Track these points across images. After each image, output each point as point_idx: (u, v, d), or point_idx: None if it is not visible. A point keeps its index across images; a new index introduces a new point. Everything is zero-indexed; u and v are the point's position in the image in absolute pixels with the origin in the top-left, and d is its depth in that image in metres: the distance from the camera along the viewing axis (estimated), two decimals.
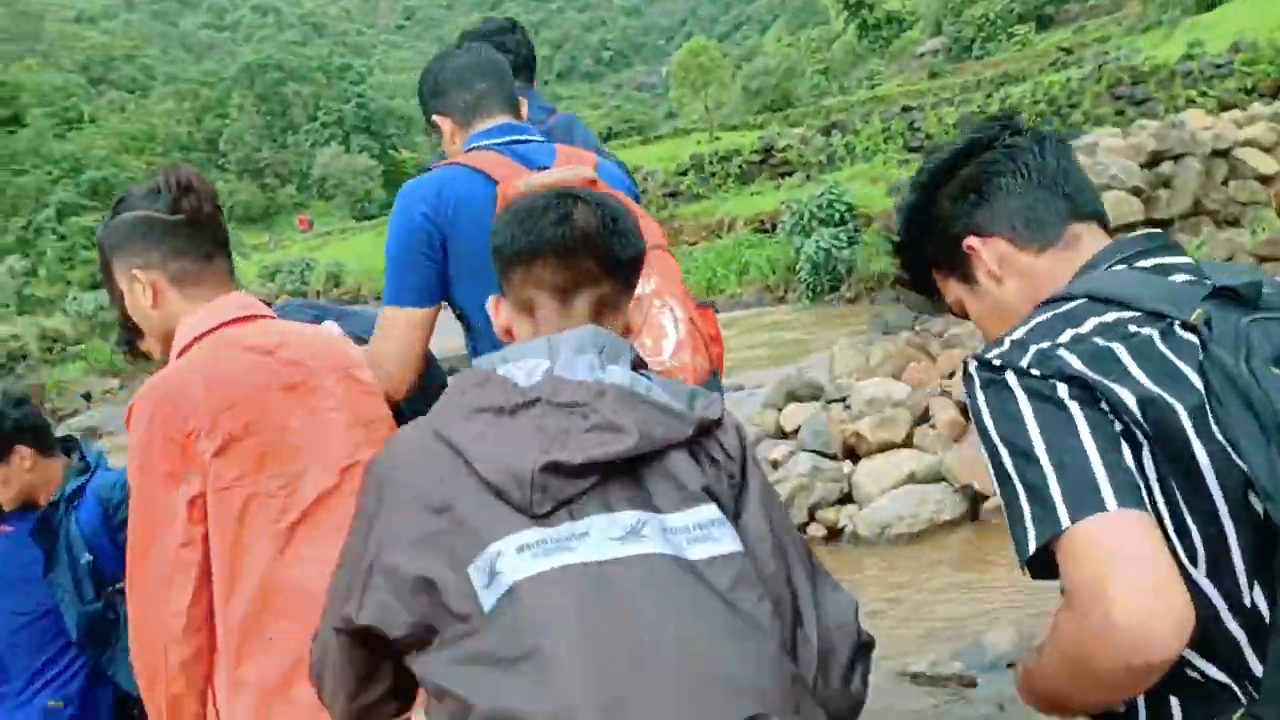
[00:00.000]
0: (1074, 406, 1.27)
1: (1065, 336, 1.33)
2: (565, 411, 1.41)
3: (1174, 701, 1.31)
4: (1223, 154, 12.16)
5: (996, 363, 1.34)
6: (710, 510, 1.42)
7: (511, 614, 1.31)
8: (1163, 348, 1.29)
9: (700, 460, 1.45)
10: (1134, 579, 1.18)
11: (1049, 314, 1.38)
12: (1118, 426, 1.26)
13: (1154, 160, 11.76)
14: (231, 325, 2.06)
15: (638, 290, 1.64)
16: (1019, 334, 1.37)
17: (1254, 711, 1.25)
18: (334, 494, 2.01)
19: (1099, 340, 1.31)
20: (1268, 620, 1.23)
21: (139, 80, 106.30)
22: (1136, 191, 11.23)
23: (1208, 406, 1.24)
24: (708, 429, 1.47)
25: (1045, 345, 1.33)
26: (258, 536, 1.96)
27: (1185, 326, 1.30)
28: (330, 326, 2.35)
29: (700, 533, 1.39)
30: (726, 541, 1.40)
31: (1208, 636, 1.24)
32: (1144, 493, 1.24)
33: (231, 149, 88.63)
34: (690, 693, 1.27)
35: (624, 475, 1.40)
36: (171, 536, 1.92)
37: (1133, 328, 1.31)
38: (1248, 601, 1.24)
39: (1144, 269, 1.42)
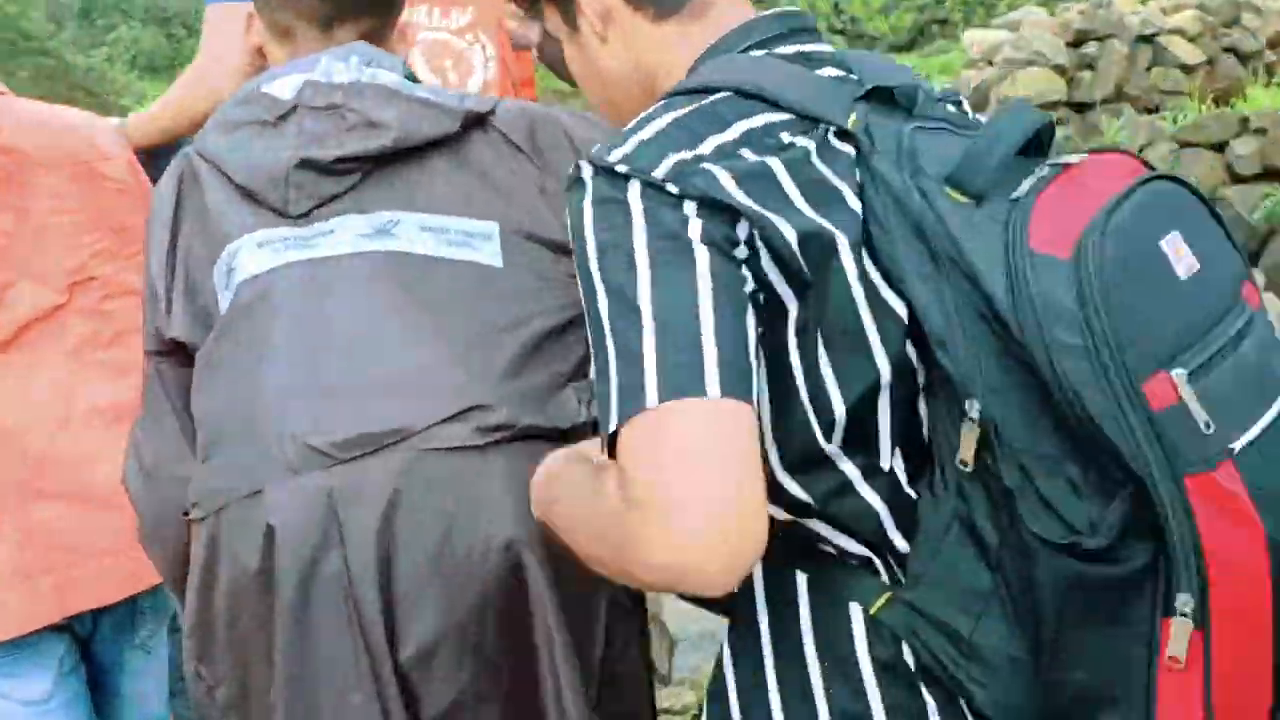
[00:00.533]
0: (701, 251, 0.95)
1: (709, 145, 1.01)
2: (325, 114, 1.39)
3: (800, 577, 1.10)
4: (1148, 40, 12.08)
5: (621, 169, 0.99)
6: (486, 226, 1.39)
7: (236, 310, 1.35)
8: (819, 163, 1.02)
9: (482, 162, 1.42)
10: (701, 497, 0.90)
11: (686, 109, 1.04)
12: (751, 285, 0.98)
13: (1079, 40, 11.67)
14: None
15: (454, 22, 1.72)
16: (648, 132, 1.02)
17: (903, 596, 1.05)
18: (57, 314, 1.68)
19: (749, 153, 1.00)
20: (907, 489, 1.05)
21: None
22: (1060, 70, 11.16)
23: (869, 235, 1.00)
24: (479, 121, 1.42)
25: (685, 155, 0.99)
26: None
27: (841, 135, 1.04)
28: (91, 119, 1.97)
29: (461, 238, 1.37)
30: (486, 254, 1.38)
31: (839, 510, 1.05)
32: (757, 374, 0.96)
33: None
34: (370, 390, 1.31)
35: (388, 176, 1.38)
36: None
37: (786, 136, 1.03)
38: (885, 466, 1.05)
39: (786, 57, 1.11)
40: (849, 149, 1.03)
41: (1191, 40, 12.38)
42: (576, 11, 1.16)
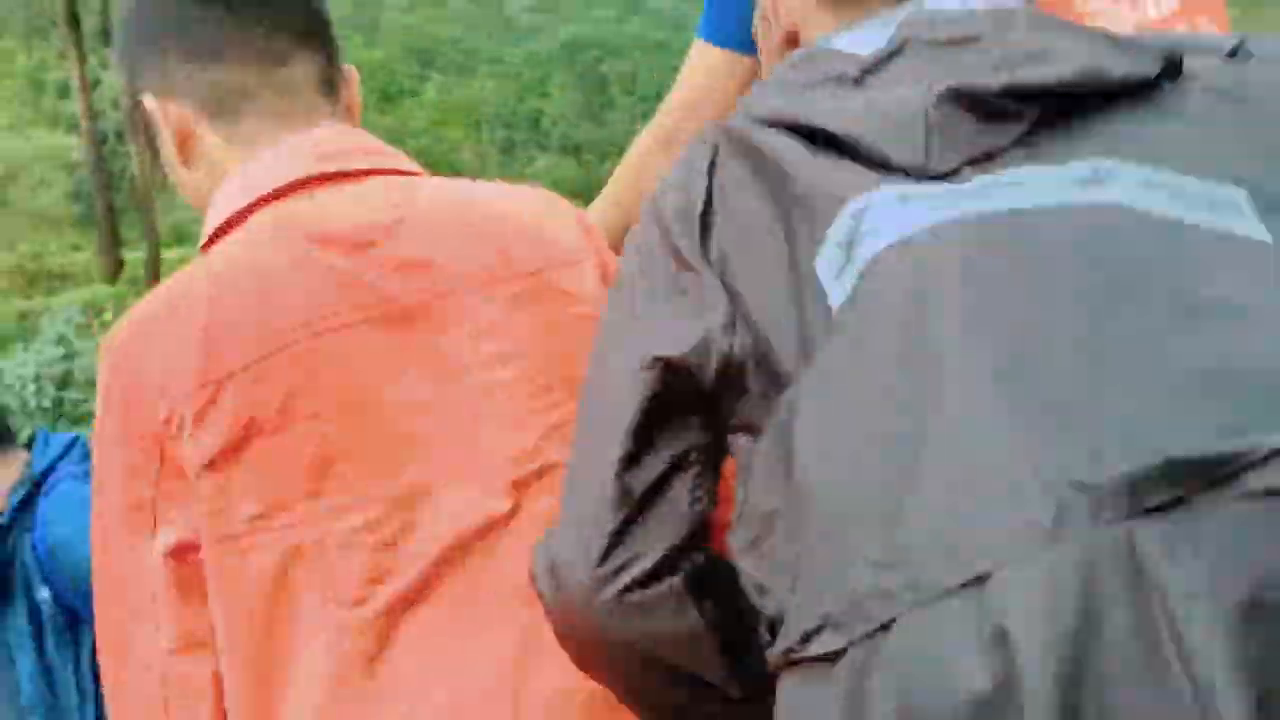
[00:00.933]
0: None
1: None
2: (954, 49, 0.91)
3: None
4: None
5: None
6: (1228, 192, 0.82)
7: (871, 298, 0.81)
8: None
9: (1194, 113, 0.88)
10: None
11: None
12: None
13: None
14: (296, 191, 1.08)
15: None
16: None
17: None
18: (492, 534, 1.00)
19: None
20: None
21: (462, 63, 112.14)
22: None
23: None
24: (1177, 67, 0.89)
25: None
26: (312, 635, 0.96)
27: None
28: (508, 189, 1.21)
29: (1204, 203, 0.82)
30: (1246, 227, 0.80)
31: None
32: None
33: (553, 126, 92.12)
34: (1157, 393, 0.71)
35: (1067, 128, 0.87)
36: (148, 632, 0.97)
37: None
38: None
39: None
40: None
41: None
42: None
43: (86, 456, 2.48)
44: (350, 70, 1.21)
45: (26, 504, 2.42)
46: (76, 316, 12.74)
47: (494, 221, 1.10)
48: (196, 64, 1.10)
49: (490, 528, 1.00)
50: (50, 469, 2.46)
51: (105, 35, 27.44)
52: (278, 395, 0.97)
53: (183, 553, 0.96)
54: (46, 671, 2.30)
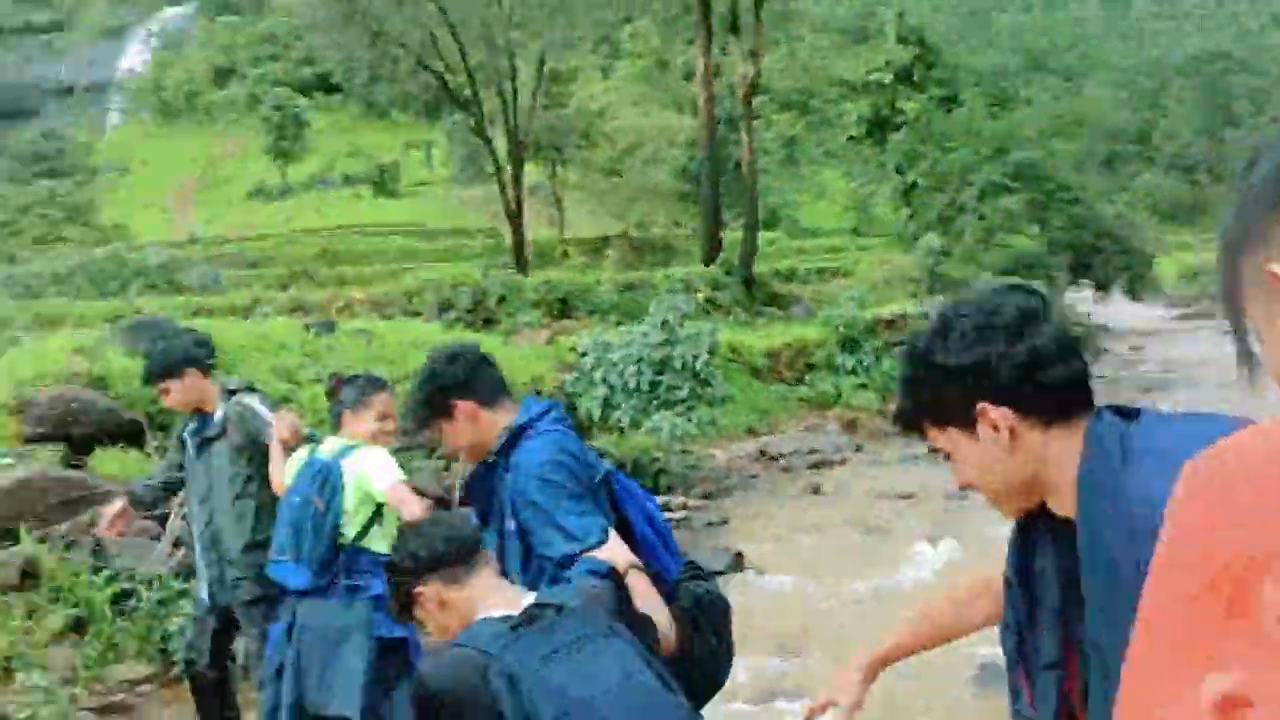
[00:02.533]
0: None
1: None
2: None
3: None
4: None
5: None
6: None
7: None
8: None
9: None
10: None
11: None
12: None
13: None
14: None
15: None
16: None
17: None
18: None
19: None
20: None
21: (1076, 68, 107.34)
22: None
23: None
24: None
25: None
26: None
27: None
28: None
29: None
30: None
31: None
32: None
33: (1165, 142, 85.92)
34: None
35: None
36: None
37: None
38: None
39: None
40: None
41: None
42: None
43: (559, 419, 3.11)
44: None
45: (507, 450, 3.01)
46: (681, 305, 12.95)
47: None
48: None
49: None
50: (528, 424, 3.04)
51: (734, 26, 28.65)
52: None
53: (1231, 707, 0.83)
54: None
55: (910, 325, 20.69)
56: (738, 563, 9.07)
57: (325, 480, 4.28)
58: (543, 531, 2.92)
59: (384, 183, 65.11)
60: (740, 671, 6.67)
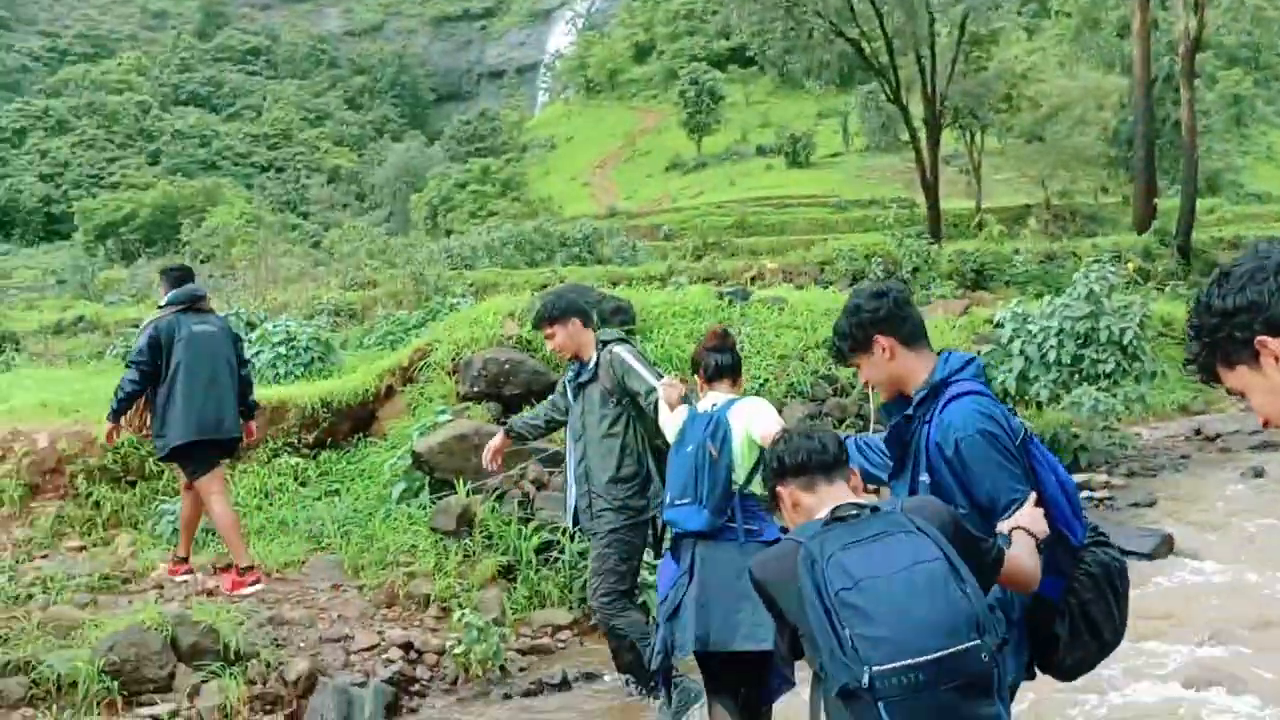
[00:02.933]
0: None
1: None
2: None
3: None
4: None
5: None
6: None
7: None
8: None
9: None
10: None
11: None
12: None
13: None
14: None
15: None
16: None
17: None
18: None
19: None
20: None
21: None
22: None
23: None
24: None
25: None
26: None
27: None
28: None
29: None
30: None
31: None
32: None
33: None
34: None
35: None
36: None
37: None
38: None
39: None
40: None
41: None
42: None
43: (978, 374, 3.22)
44: None
45: (927, 403, 3.16)
46: (1109, 275, 12.28)
47: None
48: None
49: None
50: (948, 379, 3.17)
51: None
52: None
53: None
54: None
55: None
56: (1167, 546, 8.55)
57: (717, 429, 4.68)
58: (960, 496, 3.08)
59: (796, 153, 65.71)
60: (1172, 657, 6.36)
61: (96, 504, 8.35)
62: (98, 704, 5.36)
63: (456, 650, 6.27)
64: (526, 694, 6.26)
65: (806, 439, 3.02)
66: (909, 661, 2.55)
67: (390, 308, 18.20)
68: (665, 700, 5.24)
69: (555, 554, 7.38)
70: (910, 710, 2.56)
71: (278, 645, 6.31)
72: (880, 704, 2.54)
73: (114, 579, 7.12)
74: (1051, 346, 11.92)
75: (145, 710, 5.41)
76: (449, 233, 47.75)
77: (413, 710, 6.07)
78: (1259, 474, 11.16)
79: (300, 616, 6.80)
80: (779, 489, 2.99)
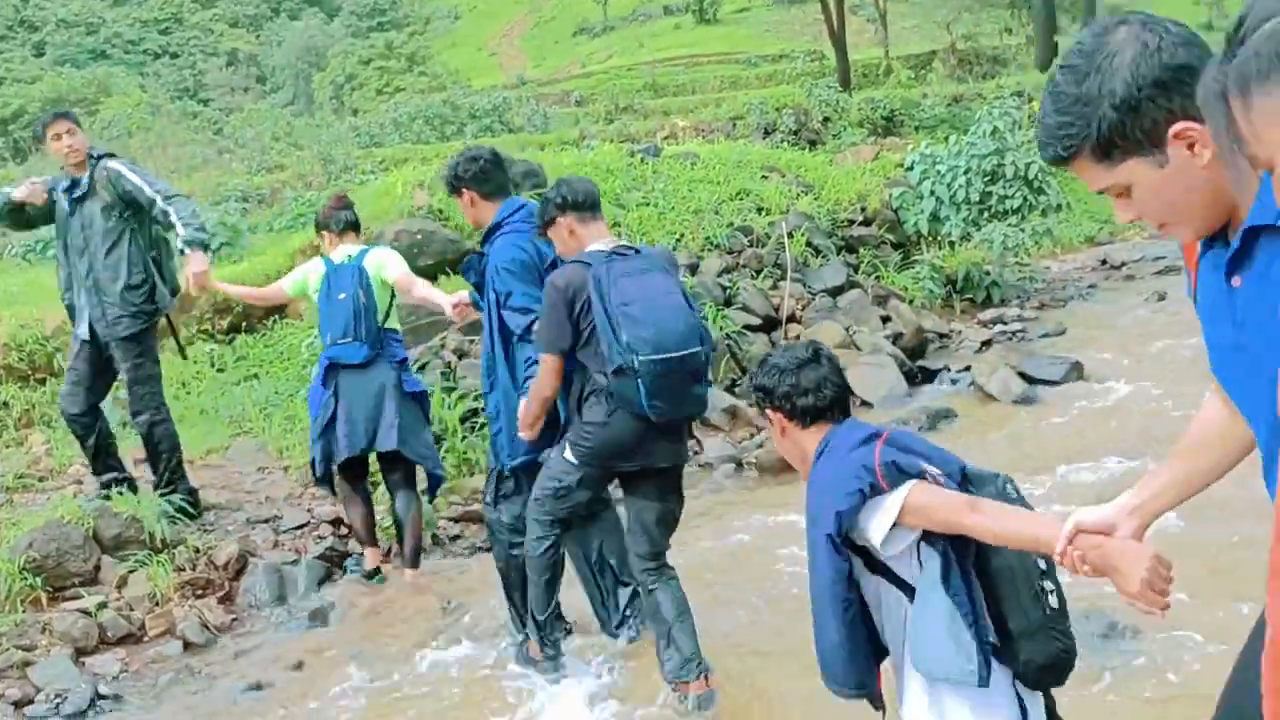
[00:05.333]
0: None
1: None
2: None
3: None
4: None
5: None
6: None
7: None
8: None
9: None
10: None
11: None
12: None
13: None
14: None
15: None
16: None
17: None
18: None
19: None
20: None
21: None
22: None
23: None
24: None
25: None
26: None
27: None
28: None
29: None
30: None
31: None
32: None
33: None
34: None
35: None
36: None
37: None
38: None
39: None
40: None
41: None
42: None
43: (526, 218, 4.69)
44: None
45: (488, 238, 4.78)
46: (1012, 112, 12.34)
47: None
48: None
49: None
50: (501, 223, 4.73)
51: None
52: None
53: None
54: None
55: None
56: (1077, 372, 8.80)
57: (362, 277, 5.63)
58: (506, 311, 4.63)
59: (703, 10, 64.62)
60: (1085, 473, 6.59)
61: (5, 404, 8.21)
62: (22, 601, 5.33)
63: (386, 523, 6.29)
64: (458, 557, 6.35)
65: (578, 182, 4.39)
66: (663, 355, 4.01)
67: (299, 189, 17.80)
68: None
69: (481, 421, 7.39)
70: (659, 386, 4.04)
71: (205, 530, 6.30)
72: (639, 380, 4.03)
73: (30, 478, 7.02)
74: (960, 185, 12.03)
75: (73, 604, 5.38)
76: (355, 112, 46.55)
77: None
78: (1161, 298, 11.45)
79: (226, 501, 6.78)
80: (558, 218, 4.28)
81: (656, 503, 4.38)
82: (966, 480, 2.54)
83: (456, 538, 6.63)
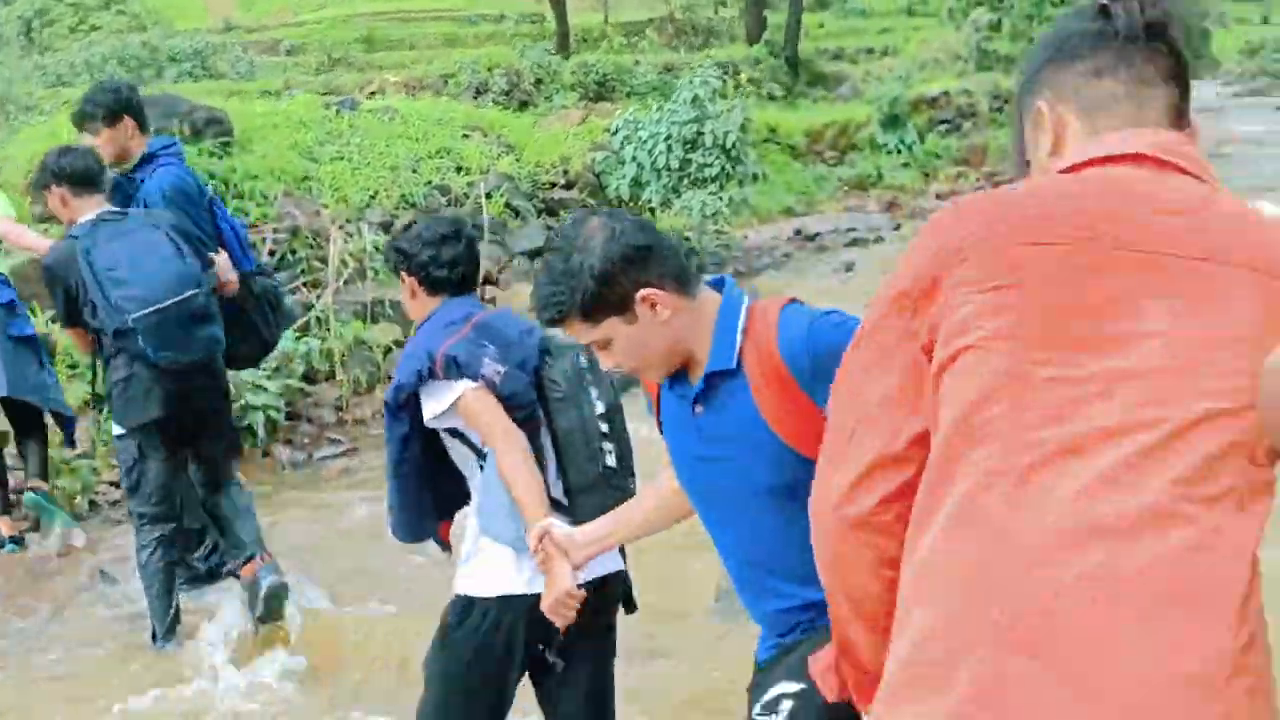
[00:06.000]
0: None
1: None
2: None
3: None
4: None
5: None
6: None
7: None
8: None
9: None
10: None
11: None
12: None
13: None
14: (1126, 162, 1.44)
15: None
16: None
17: None
18: (1168, 443, 1.26)
19: None
20: None
21: None
22: None
23: None
24: None
25: None
26: (978, 448, 1.31)
27: None
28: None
29: None
30: None
31: None
32: None
33: None
34: None
35: None
36: (874, 382, 1.45)
37: None
38: None
39: None
40: None
41: None
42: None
43: (177, 154, 4.81)
44: (1195, 123, 1.54)
45: (140, 167, 4.72)
46: (712, 80, 12.56)
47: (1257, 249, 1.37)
48: (1086, 81, 1.52)
49: (1168, 434, 1.27)
50: (155, 154, 4.75)
51: None
52: (1028, 264, 1.34)
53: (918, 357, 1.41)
54: None
55: (954, 103, 20.09)
56: None
57: None
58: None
59: None
60: None
61: None
62: None
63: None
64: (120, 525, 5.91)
65: (69, 154, 4.47)
66: (154, 308, 4.18)
67: None
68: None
69: None
70: (159, 335, 4.22)
71: None
72: (139, 334, 4.20)
73: None
74: (661, 152, 12.16)
75: None
76: (45, 50, 43.05)
77: None
78: (849, 268, 11.97)
79: None
80: (52, 188, 4.42)
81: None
82: (546, 352, 2.92)
83: (117, 503, 6.18)
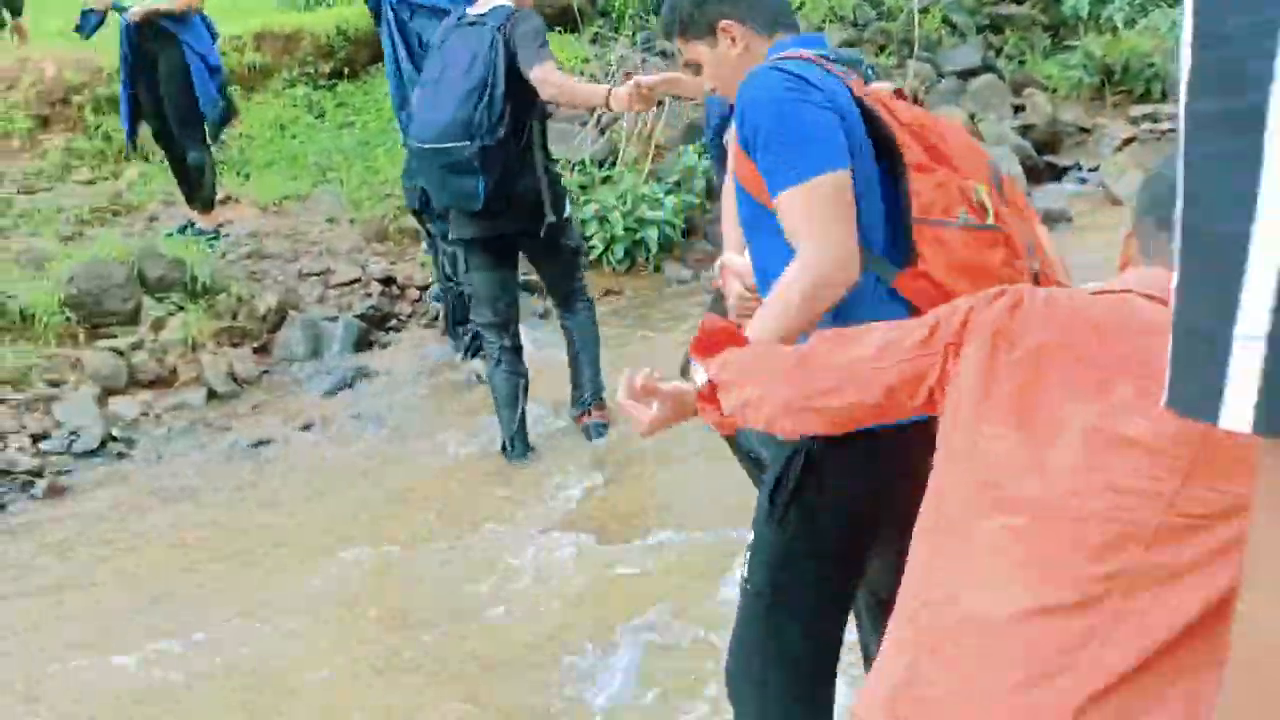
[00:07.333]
0: None
1: None
2: None
3: None
4: None
5: None
6: None
7: None
8: None
9: None
10: None
11: None
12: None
13: None
14: None
15: None
16: None
17: None
18: None
19: None
20: None
21: None
22: None
23: None
24: None
25: None
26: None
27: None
28: None
29: None
30: None
31: None
32: None
33: None
34: None
35: None
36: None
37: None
38: None
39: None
40: None
41: None
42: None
43: None
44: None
45: None
46: None
47: None
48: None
49: None
50: None
51: None
52: None
53: None
54: None
55: None
56: None
57: None
58: None
59: None
60: None
61: (107, 136, 8.33)
62: (58, 337, 5.48)
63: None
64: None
65: None
66: (418, 145, 4.32)
67: None
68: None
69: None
70: (418, 168, 4.62)
71: (254, 279, 6.36)
72: (414, 159, 4.74)
73: (104, 212, 7.17)
74: None
75: (105, 342, 5.52)
76: None
77: (384, 346, 6.12)
78: None
79: (283, 250, 6.82)
80: None
81: (492, 271, 4.57)
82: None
83: None
